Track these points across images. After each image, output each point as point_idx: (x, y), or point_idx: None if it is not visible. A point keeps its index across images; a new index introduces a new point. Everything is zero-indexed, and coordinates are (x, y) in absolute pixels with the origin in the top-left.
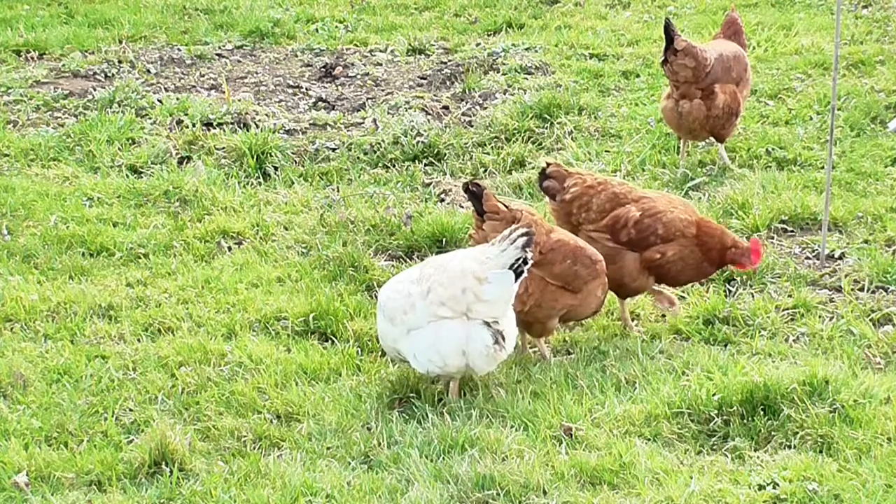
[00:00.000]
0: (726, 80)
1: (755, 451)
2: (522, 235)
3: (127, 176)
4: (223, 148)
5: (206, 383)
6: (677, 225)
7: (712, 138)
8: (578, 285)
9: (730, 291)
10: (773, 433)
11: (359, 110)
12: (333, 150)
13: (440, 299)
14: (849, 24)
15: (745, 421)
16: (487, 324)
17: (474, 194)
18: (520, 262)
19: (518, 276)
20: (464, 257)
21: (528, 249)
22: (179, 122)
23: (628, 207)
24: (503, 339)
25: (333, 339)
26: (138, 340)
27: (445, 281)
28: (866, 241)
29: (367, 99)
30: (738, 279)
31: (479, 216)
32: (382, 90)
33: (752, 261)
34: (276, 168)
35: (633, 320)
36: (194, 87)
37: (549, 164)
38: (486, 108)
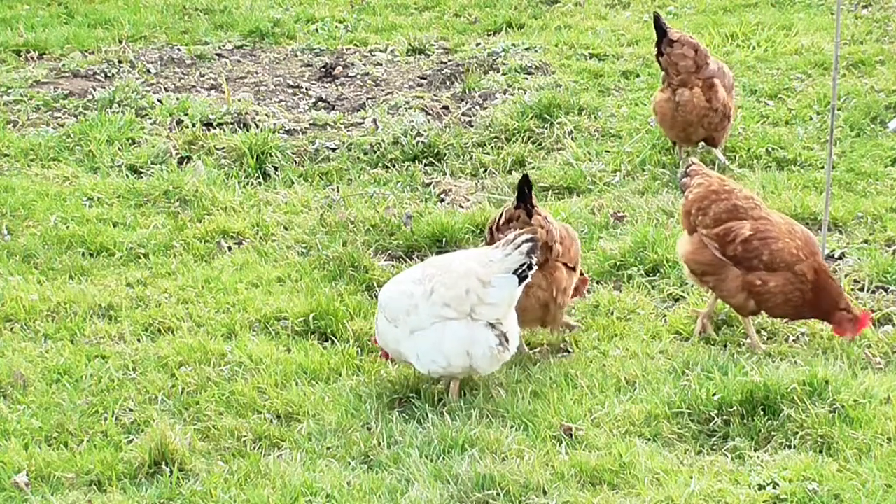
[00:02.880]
0: (722, 83)
1: (755, 451)
2: (527, 241)
3: (127, 176)
4: (223, 148)
5: (206, 383)
6: (784, 257)
7: (704, 143)
8: (577, 262)
9: None
10: (773, 433)
11: (359, 110)
12: (333, 150)
13: (443, 300)
14: (849, 24)
15: (745, 421)
16: (492, 325)
17: (530, 187)
18: (524, 267)
19: (522, 280)
20: (466, 258)
21: (532, 255)
22: (179, 122)
23: (743, 223)
24: (507, 340)
25: (333, 339)
26: (138, 340)
27: (449, 282)
28: (866, 241)
29: (367, 99)
30: None
31: (528, 214)
32: (382, 90)
33: (855, 331)
34: (276, 168)
35: (629, 316)
36: (194, 87)
37: (692, 163)
38: (486, 108)
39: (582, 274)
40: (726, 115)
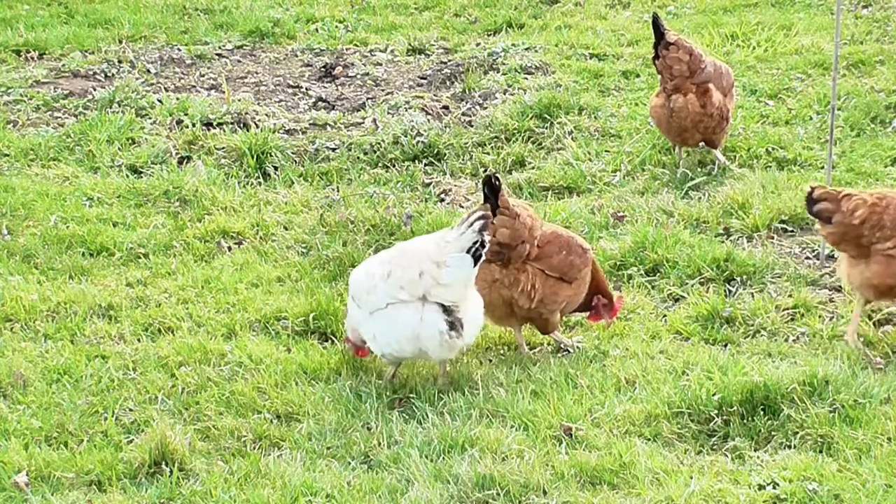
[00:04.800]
0: (718, 86)
1: (755, 451)
2: (479, 219)
3: (127, 176)
4: (223, 148)
5: (206, 383)
6: None
7: (704, 144)
8: (573, 275)
9: (730, 291)
10: (773, 433)
11: (359, 110)
12: (333, 150)
13: (399, 282)
14: (849, 24)
15: (745, 421)
16: (446, 310)
17: (494, 189)
18: (477, 245)
19: (476, 259)
20: (425, 241)
21: (484, 233)
22: (179, 122)
23: None
24: (461, 326)
25: (333, 339)
26: (138, 340)
27: (405, 264)
28: None
29: (367, 99)
30: (739, 279)
31: (492, 211)
32: (382, 90)
33: None
34: (276, 168)
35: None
36: (194, 87)
37: (814, 188)
38: (486, 108)
39: (608, 296)
40: (723, 118)
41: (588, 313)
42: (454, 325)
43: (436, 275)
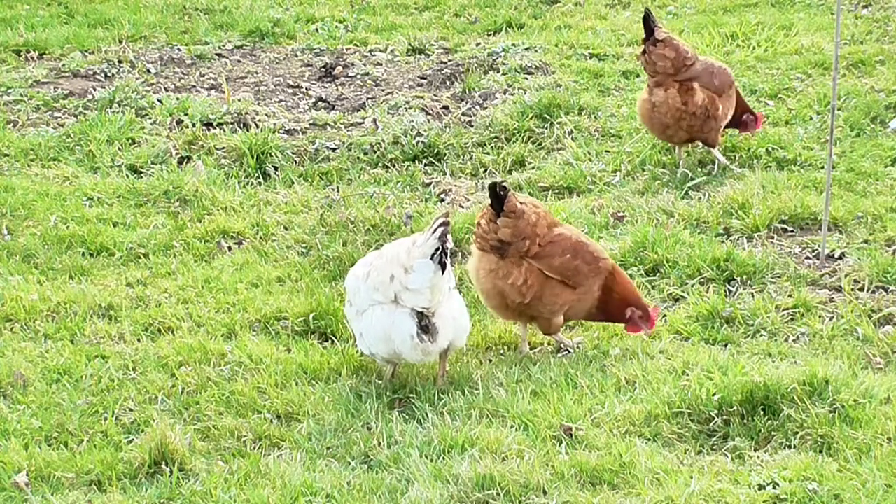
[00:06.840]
0: (706, 85)
1: (755, 451)
2: (440, 226)
3: (127, 176)
4: (223, 148)
5: (206, 383)
6: None
7: (702, 143)
8: (578, 280)
9: (730, 291)
10: (773, 433)
11: (359, 110)
12: (333, 150)
13: (374, 284)
14: (849, 24)
15: (745, 421)
16: (421, 314)
17: (499, 197)
18: (438, 252)
19: (442, 266)
20: (399, 244)
21: (444, 239)
22: (179, 122)
23: None
24: (435, 331)
25: (333, 339)
26: (138, 340)
27: (380, 266)
28: (866, 241)
29: (367, 99)
30: (739, 279)
31: (496, 213)
32: (382, 90)
33: None
34: (276, 168)
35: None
36: (194, 87)
37: None
38: (486, 108)
39: (642, 308)
40: (710, 117)
41: (625, 324)
42: (427, 329)
43: (403, 280)
